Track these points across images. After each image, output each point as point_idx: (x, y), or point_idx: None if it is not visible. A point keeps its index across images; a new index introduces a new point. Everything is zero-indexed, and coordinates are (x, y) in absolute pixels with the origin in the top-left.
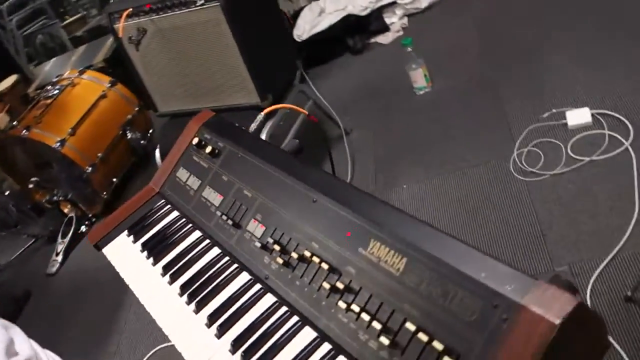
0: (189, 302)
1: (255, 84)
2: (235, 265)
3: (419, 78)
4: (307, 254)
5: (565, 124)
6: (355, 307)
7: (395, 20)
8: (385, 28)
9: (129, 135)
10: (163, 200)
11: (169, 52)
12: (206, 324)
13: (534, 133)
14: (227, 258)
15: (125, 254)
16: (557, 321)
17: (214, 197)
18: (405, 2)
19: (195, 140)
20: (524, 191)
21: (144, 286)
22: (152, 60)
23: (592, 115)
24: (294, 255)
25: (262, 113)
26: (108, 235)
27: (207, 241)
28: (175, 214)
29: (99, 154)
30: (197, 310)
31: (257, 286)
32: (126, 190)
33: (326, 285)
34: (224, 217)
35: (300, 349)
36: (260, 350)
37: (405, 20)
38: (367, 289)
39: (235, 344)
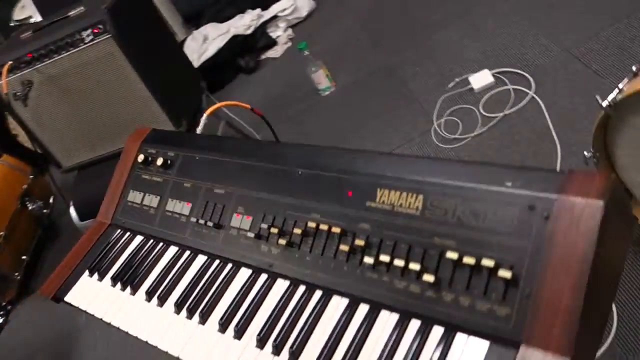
0: (190, 316)
1: (166, 113)
2: (230, 266)
3: (322, 79)
4: (312, 225)
5: (472, 89)
6: (384, 258)
7: (280, 33)
8: (273, 42)
9: (30, 206)
10: (120, 230)
11: (64, 100)
12: (219, 330)
13: (446, 103)
14: (217, 261)
15: (93, 295)
16: (601, 202)
17: (181, 207)
18: (286, 14)
19: (141, 158)
20: (452, 158)
21: (129, 317)
22: (44, 113)
23: (493, 75)
24: (297, 231)
25: (205, 114)
26: (66, 284)
27: (188, 252)
28: (139, 238)
29: (1, 233)
30: (203, 320)
31: (263, 276)
32: (40, 265)
33: (344, 248)
34: (201, 222)
35: (336, 320)
36: (291, 335)
37: (290, 31)
38: (389, 238)
39: (262, 338)
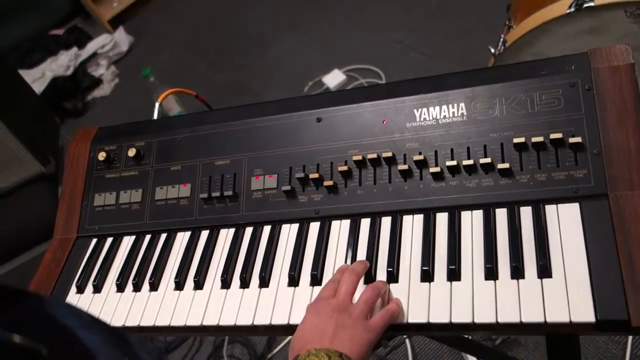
0: (262, 285)
1: (30, 151)
2: (268, 227)
3: (172, 105)
4: (357, 158)
5: (328, 88)
6: (450, 163)
7: (103, 71)
8: (97, 81)
9: None
10: (94, 239)
11: None
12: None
13: None
14: (250, 228)
15: (102, 309)
16: (631, 60)
17: (176, 191)
18: (106, 51)
19: (102, 156)
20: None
21: (178, 312)
22: None
23: (344, 73)
24: (341, 169)
25: (158, 102)
26: None
27: (207, 232)
28: (128, 238)
29: None
30: (294, 283)
31: (315, 224)
32: None
33: (402, 168)
34: (212, 198)
35: (421, 235)
36: (393, 259)
37: (114, 68)
38: (443, 147)
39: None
